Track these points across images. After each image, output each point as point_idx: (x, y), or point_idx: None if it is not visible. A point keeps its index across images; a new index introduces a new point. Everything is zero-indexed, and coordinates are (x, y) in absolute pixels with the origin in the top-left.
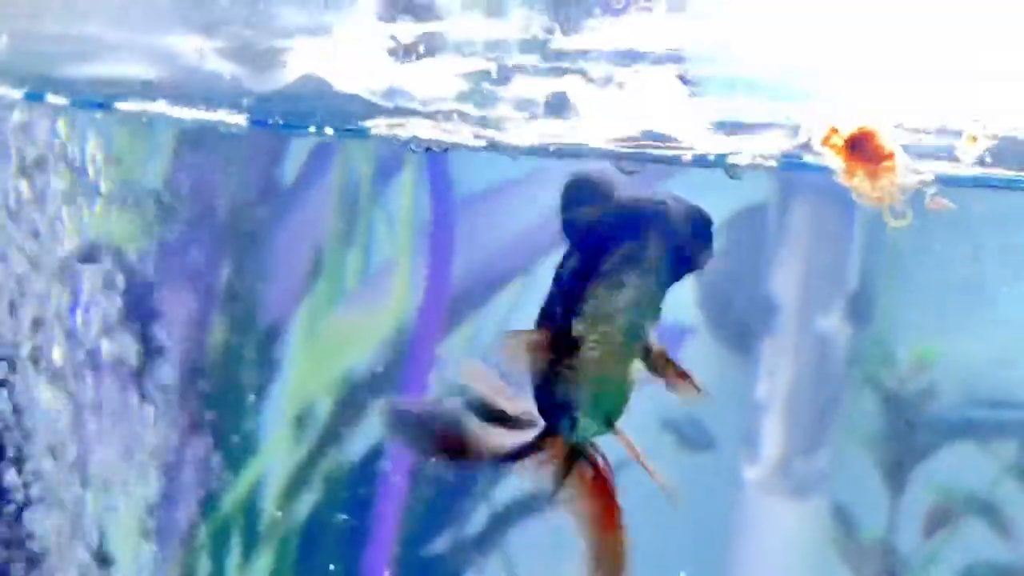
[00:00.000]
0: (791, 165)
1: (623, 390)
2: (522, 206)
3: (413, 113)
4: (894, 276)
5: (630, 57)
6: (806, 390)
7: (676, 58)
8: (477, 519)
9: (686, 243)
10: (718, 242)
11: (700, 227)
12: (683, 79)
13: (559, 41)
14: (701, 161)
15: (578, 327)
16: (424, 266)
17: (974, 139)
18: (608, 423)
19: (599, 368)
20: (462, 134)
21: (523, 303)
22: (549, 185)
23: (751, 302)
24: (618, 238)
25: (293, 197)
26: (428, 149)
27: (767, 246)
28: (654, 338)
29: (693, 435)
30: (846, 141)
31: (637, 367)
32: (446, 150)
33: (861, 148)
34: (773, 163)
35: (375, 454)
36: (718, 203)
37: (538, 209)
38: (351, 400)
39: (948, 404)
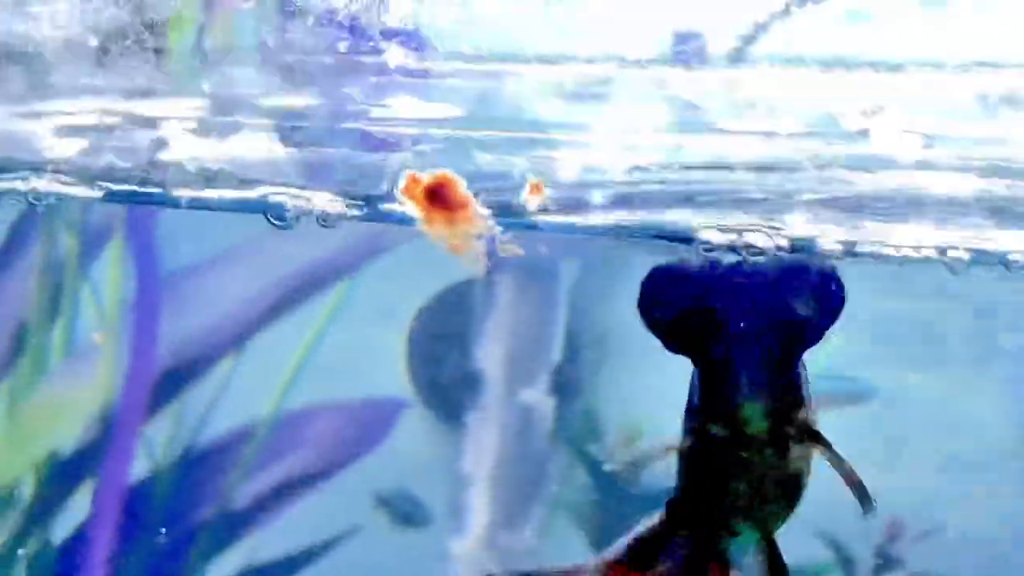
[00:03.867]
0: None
1: (786, 489)
2: (233, 278)
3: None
4: (599, 348)
5: None
6: (512, 462)
7: None
8: None
9: (802, 302)
10: (435, 317)
11: (816, 282)
12: None
13: None
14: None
15: (715, 428)
16: (129, 343)
17: (537, 188)
18: (768, 531)
19: (750, 469)
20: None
21: (234, 381)
22: (261, 254)
23: (458, 374)
24: (715, 319)
25: None
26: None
27: (474, 319)
28: (813, 418)
29: (407, 510)
30: (425, 190)
31: (801, 457)
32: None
33: (439, 197)
34: (356, 212)
35: (80, 536)
36: (428, 277)
37: (250, 281)
38: (55, 480)
39: (658, 475)
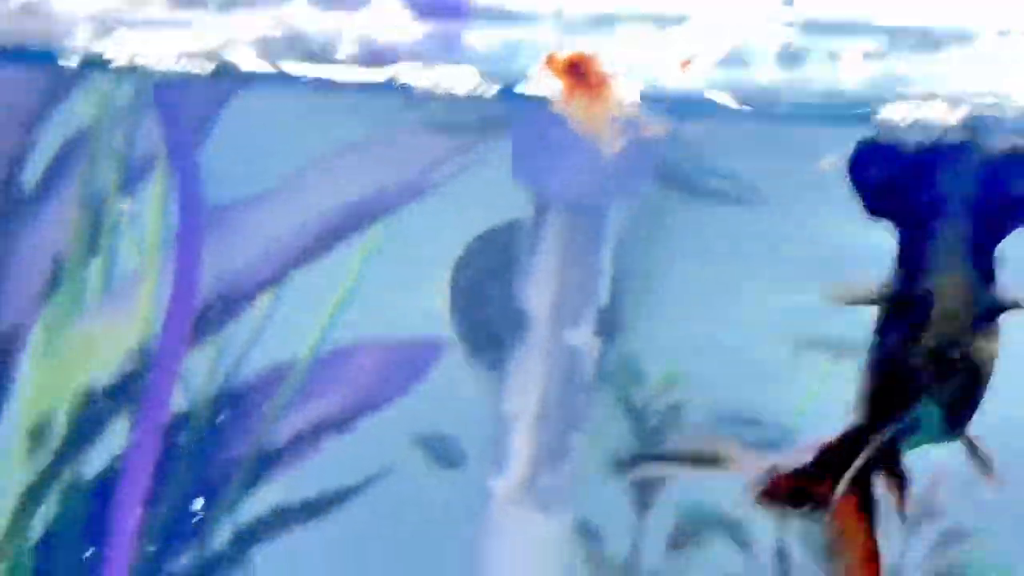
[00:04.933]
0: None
1: (973, 370)
2: (275, 215)
3: None
4: (644, 292)
5: None
6: (554, 403)
7: None
8: (220, 536)
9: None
10: (480, 257)
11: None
12: None
13: None
14: None
15: (924, 286)
16: (170, 277)
17: (687, 63)
18: (954, 415)
19: (947, 340)
20: None
21: (272, 318)
22: (306, 193)
23: (503, 314)
24: (930, 189)
25: (33, 202)
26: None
27: (520, 260)
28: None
29: (443, 451)
30: (565, 66)
31: (990, 336)
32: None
33: (579, 73)
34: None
35: (112, 471)
36: (473, 218)
37: (291, 219)
38: (90, 413)
39: (695, 422)
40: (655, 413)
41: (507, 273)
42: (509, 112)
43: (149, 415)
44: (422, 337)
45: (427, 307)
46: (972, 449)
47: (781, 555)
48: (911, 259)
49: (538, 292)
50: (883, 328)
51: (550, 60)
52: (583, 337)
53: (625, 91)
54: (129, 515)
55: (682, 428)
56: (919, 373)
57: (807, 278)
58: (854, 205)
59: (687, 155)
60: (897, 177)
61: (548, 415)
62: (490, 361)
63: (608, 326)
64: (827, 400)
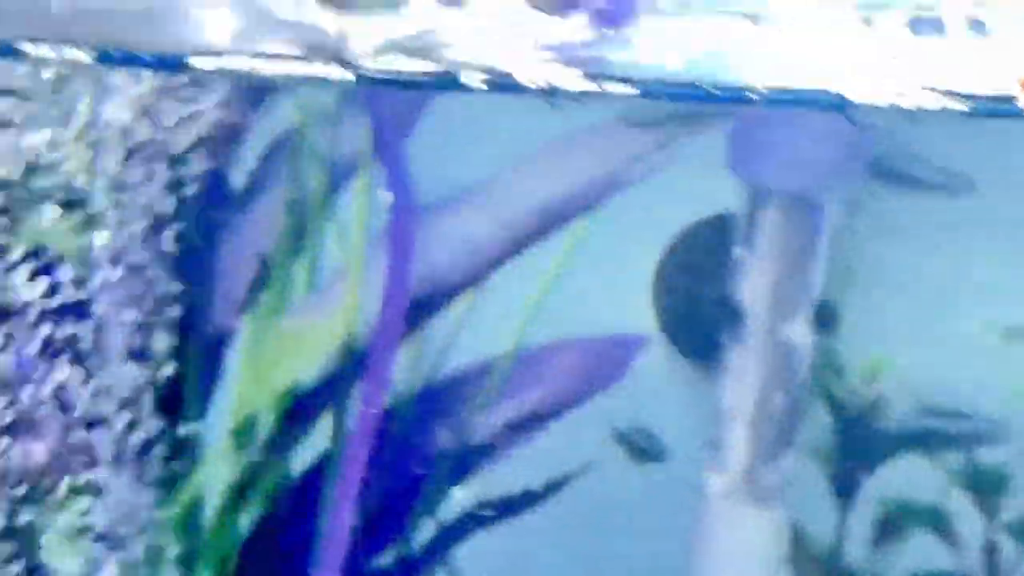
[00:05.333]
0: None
1: None
2: (476, 216)
3: None
4: (848, 283)
5: None
6: (772, 399)
7: None
8: (423, 533)
9: None
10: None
11: None
12: None
13: None
14: None
15: None
16: (380, 274)
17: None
18: None
19: None
20: None
21: (474, 316)
22: (506, 192)
23: (712, 308)
24: None
25: (241, 200)
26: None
27: (729, 253)
28: None
29: (645, 446)
30: None
31: None
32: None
33: None
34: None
35: (319, 469)
36: (679, 213)
37: (493, 219)
38: (296, 413)
39: (898, 415)
40: (856, 406)
41: (718, 267)
42: (714, 106)
43: (364, 413)
44: (624, 334)
45: (631, 304)
46: None
47: (990, 549)
48: None
49: (753, 286)
50: None
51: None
52: (799, 332)
53: None
54: (344, 513)
55: (885, 423)
56: None
57: (1019, 268)
58: None
59: (899, 147)
60: None
61: (766, 410)
62: (698, 357)
63: (824, 320)
64: None
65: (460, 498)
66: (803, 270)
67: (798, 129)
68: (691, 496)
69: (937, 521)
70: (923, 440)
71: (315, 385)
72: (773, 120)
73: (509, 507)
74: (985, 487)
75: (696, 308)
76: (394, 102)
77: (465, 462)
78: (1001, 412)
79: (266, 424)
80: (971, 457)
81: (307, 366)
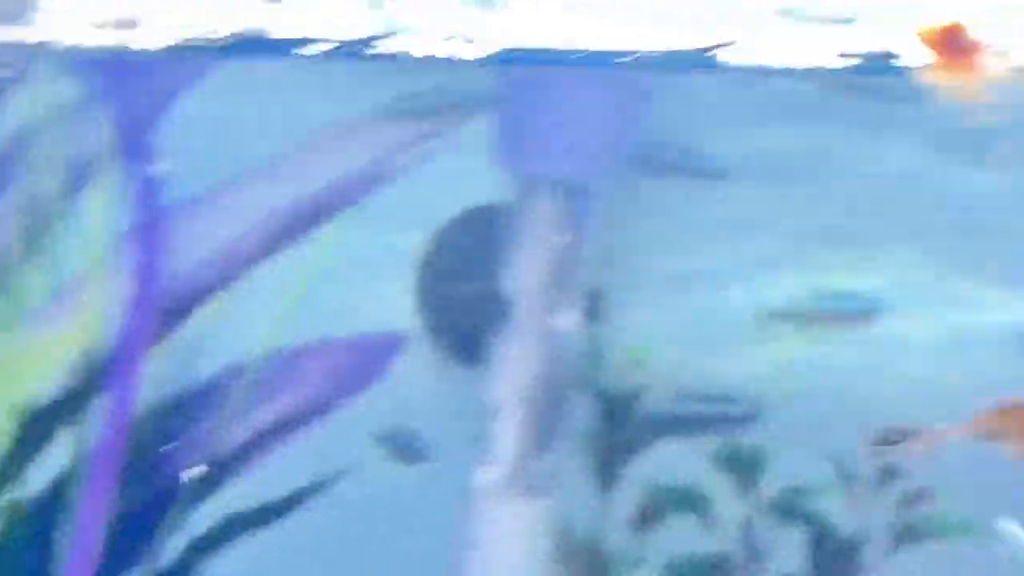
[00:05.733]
0: None
1: None
2: (227, 213)
3: None
4: (613, 270)
5: None
6: (540, 390)
7: None
8: (173, 546)
9: None
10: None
11: None
12: None
13: None
14: None
15: None
16: (125, 279)
17: None
18: None
19: None
20: None
21: (225, 320)
22: (259, 188)
23: (481, 304)
24: None
25: None
26: None
27: (495, 244)
28: None
29: (407, 445)
30: (939, 34)
31: None
32: None
33: (952, 42)
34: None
35: (59, 488)
36: (441, 206)
37: (247, 217)
38: (33, 430)
39: (660, 400)
40: (620, 393)
41: (484, 259)
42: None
43: (109, 426)
44: (381, 333)
45: (393, 301)
46: None
47: (748, 528)
48: None
49: (520, 277)
50: None
51: (923, 31)
52: (566, 321)
53: (997, 60)
54: (90, 532)
55: (646, 409)
56: None
57: (778, 252)
58: None
59: (665, 132)
60: None
61: (535, 402)
62: (464, 352)
63: (589, 309)
64: (793, 370)
65: (212, 509)
66: (570, 259)
67: (564, 117)
68: (459, 492)
69: (696, 503)
70: (683, 424)
71: (54, 400)
72: (539, 107)
73: (263, 516)
74: (743, 467)
75: (461, 303)
76: (139, 96)
77: (217, 471)
78: (759, 394)
79: (1, 443)
80: (730, 439)
81: (45, 380)
